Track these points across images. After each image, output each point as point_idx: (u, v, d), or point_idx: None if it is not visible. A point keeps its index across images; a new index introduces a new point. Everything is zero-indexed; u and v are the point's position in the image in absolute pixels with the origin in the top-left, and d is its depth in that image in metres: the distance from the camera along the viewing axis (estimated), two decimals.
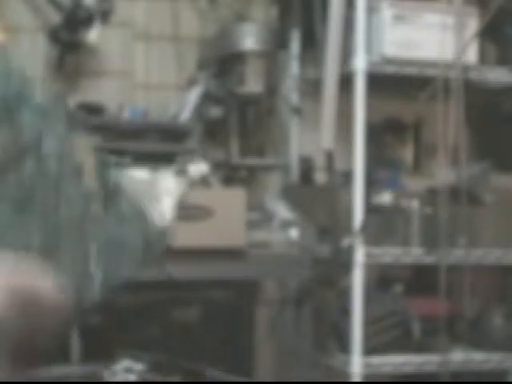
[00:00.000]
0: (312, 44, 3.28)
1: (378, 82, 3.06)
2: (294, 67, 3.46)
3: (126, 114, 3.18)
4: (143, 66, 3.36)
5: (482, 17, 3.18)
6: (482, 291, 3.34)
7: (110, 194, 1.60)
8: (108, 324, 2.82)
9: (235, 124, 3.28)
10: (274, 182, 3.44)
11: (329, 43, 3.10)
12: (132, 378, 1.58)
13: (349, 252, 3.03)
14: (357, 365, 3.02)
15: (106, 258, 1.50)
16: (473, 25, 3.16)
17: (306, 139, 3.41)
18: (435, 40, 3.06)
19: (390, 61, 3.09)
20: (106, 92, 3.26)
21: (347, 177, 3.10)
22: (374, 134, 3.29)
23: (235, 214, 2.83)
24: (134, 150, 2.98)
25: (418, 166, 3.56)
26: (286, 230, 3.09)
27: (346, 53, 3.09)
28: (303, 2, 3.33)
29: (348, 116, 3.03)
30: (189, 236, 2.71)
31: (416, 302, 3.20)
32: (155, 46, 3.36)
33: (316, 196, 3.31)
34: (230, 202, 2.84)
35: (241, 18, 3.33)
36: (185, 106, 3.20)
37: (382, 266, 3.31)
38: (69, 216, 1.48)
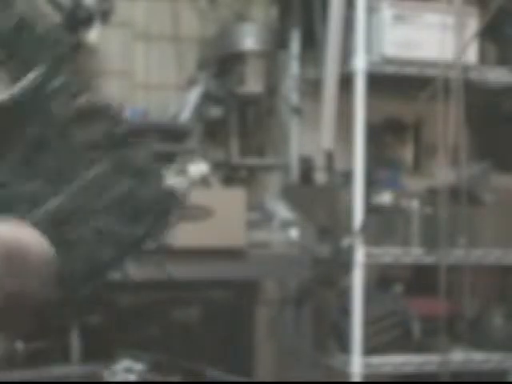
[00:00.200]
0: (312, 44, 3.27)
1: (378, 82, 3.06)
2: (294, 67, 3.46)
3: (126, 114, 3.18)
4: (143, 66, 3.36)
5: (482, 17, 3.18)
6: (482, 291, 3.34)
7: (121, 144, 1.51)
8: (108, 324, 2.82)
9: (235, 124, 3.28)
10: (274, 181, 3.44)
11: (329, 43, 3.10)
12: (132, 378, 1.58)
13: (349, 252, 3.03)
14: (357, 365, 3.02)
15: (117, 216, 1.38)
16: (473, 25, 3.16)
17: (306, 139, 3.41)
18: (435, 40, 3.06)
19: (389, 61, 3.09)
20: (105, 92, 3.26)
21: (347, 177, 3.10)
22: (374, 134, 3.29)
23: (235, 214, 2.83)
24: None
25: (418, 166, 3.56)
26: (286, 229, 3.09)
27: (346, 53, 3.09)
28: (303, 2, 3.33)
29: (348, 116, 3.03)
30: (189, 236, 2.71)
31: (416, 301, 3.20)
32: (155, 45, 3.36)
33: (316, 196, 3.31)
34: (229, 202, 2.84)
35: (241, 17, 3.33)
36: (185, 106, 3.20)
37: (382, 266, 3.31)
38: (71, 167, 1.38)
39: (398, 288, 3.32)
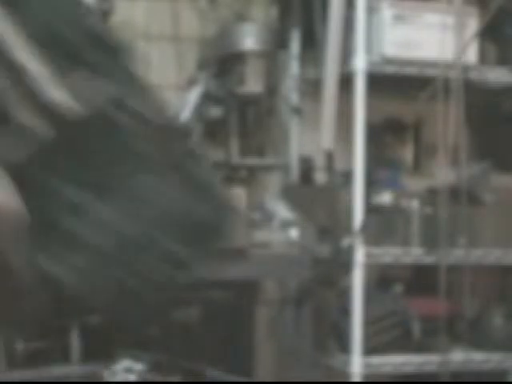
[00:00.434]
0: (312, 44, 3.27)
1: (378, 82, 3.05)
2: (294, 67, 3.46)
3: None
4: (143, 65, 3.35)
5: (482, 17, 3.18)
6: (482, 291, 3.34)
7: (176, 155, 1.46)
8: (108, 324, 2.82)
9: (235, 124, 3.28)
10: (273, 181, 3.44)
11: (329, 43, 3.10)
12: (132, 378, 1.58)
13: (349, 252, 3.03)
14: (357, 365, 3.02)
15: (163, 230, 1.32)
16: (473, 25, 3.16)
17: (306, 139, 3.41)
18: (435, 40, 3.06)
19: (389, 61, 3.09)
20: None
21: (347, 177, 3.10)
22: (374, 134, 3.29)
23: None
24: None
25: (418, 166, 3.56)
26: (286, 229, 3.08)
27: (346, 53, 3.09)
28: (303, 2, 3.33)
29: (348, 116, 3.03)
30: None
31: (416, 301, 3.20)
32: (155, 46, 3.36)
33: (316, 196, 3.31)
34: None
35: (241, 18, 3.32)
36: (185, 105, 3.19)
37: (382, 266, 3.31)
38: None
39: (398, 288, 3.32)
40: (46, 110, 1.20)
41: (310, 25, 3.26)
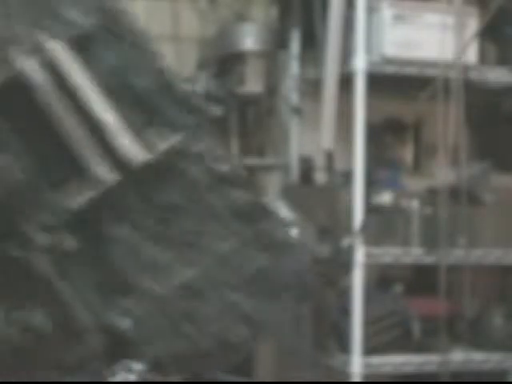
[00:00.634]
0: (312, 44, 3.27)
1: (378, 82, 3.05)
2: (294, 67, 3.46)
3: None
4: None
5: (482, 17, 3.18)
6: (482, 291, 3.34)
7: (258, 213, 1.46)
8: None
9: (235, 124, 3.28)
10: (274, 181, 3.44)
11: (329, 43, 3.10)
12: (132, 378, 1.58)
13: (349, 252, 3.03)
14: (357, 365, 3.02)
15: (251, 294, 1.34)
16: (473, 25, 3.16)
17: (306, 139, 3.41)
18: (435, 40, 3.06)
19: (389, 61, 3.09)
20: None
21: (347, 177, 3.10)
22: (374, 134, 3.29)
23: None
24: None
25: (418, 166, 3.56)
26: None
27: (346, 53, 3.09)
28: (303, 2, 3.33)
29: (348, 116, 3.03)
30: None
31: (416, 301, 3.20)
32: (155, 45, 3.35)
33: (316, 196, 3.31)
34: None
35: (241, 18, 3.33)
36: None
37: (382, 266, 3.31)
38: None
39: (398, 288, 3.32)
40: (113, 156, 1.21)
41: (309, 25, 3.26)
